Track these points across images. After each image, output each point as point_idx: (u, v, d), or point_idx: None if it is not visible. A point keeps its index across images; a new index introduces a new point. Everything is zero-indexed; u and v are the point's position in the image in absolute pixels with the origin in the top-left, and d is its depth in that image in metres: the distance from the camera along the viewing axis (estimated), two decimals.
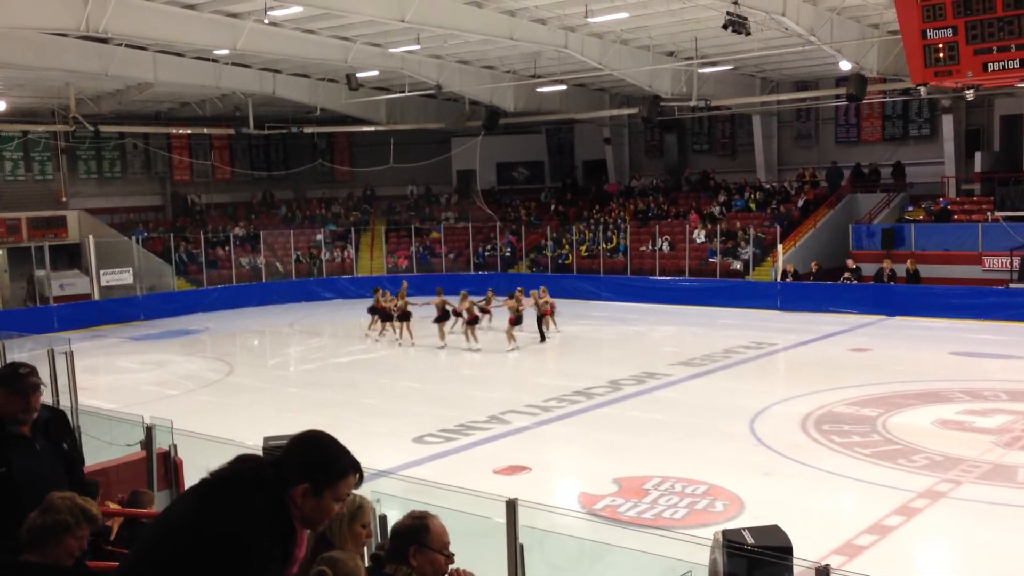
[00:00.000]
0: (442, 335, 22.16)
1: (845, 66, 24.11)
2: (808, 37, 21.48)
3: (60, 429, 4.31)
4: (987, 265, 24.85)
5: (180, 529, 2.81)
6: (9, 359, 12.96)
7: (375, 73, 27.23)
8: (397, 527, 3.90)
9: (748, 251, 28.52)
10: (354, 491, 4.11)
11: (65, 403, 10.21)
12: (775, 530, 5.45)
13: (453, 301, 22.61)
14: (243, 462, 2.92)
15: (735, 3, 18.35)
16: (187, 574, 2.70)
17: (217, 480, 2.88)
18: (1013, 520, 9.79)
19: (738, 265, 28.58)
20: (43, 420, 4.27)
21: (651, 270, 29.89)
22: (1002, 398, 14.84)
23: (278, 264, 33.42)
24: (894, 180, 30.02)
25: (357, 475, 2.96)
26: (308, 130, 33.53)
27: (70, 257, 31.56)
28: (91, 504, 3.67)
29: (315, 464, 2.86)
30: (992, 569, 8.67)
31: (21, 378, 4.20)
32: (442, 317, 22.38)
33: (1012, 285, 23.69)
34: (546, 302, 22.63)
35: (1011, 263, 24.29)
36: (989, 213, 26.14)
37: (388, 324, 23.18)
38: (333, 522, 3.98)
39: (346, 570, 3.52)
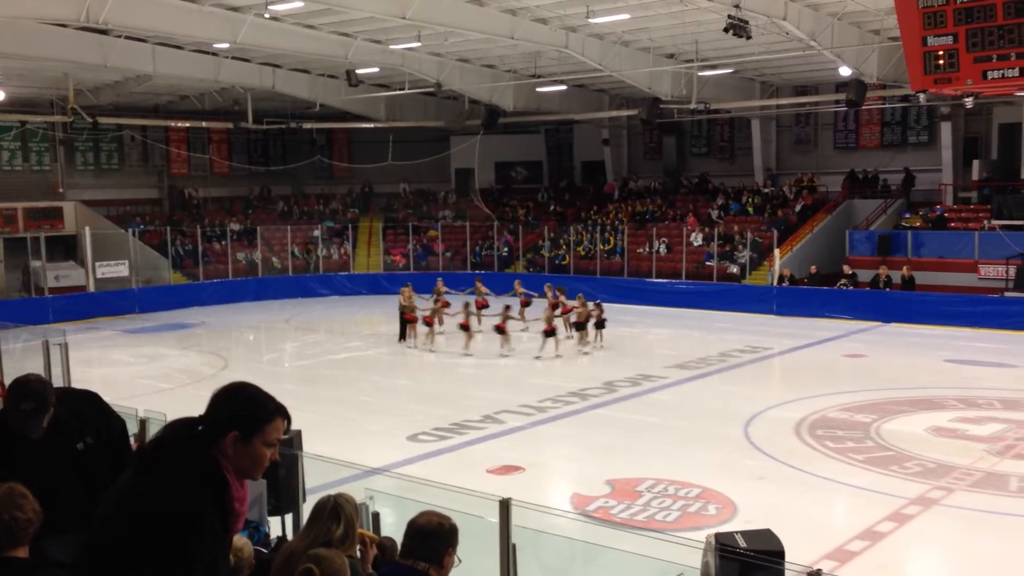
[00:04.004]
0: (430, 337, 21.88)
1: (845, 71, 24.14)
2: (808, 42, 21.51)
3: (72, 429, 4.11)
4: (983, 273, 24.86)
5: (116, 503, 2.87)
6: (4, 349, 12.96)
7: (375, 70, 27.22)
8: (425, 526, 3.86)
9: (745, 255, 28.53)
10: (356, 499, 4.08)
11: None
12: (767, 534, 5.45)
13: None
14: (172, 425, 2.98)
15: (736, 6, 18.36)
16: (127, 541, 2.74)
17: (149, 447, 2.96)
18: (1004, 528, 9.80)
19: (735, 269, 28.60)
20: (58, 420, 4.05)
21: (648, 272, 29.90)
22: (995, 406, 14.86)
23: (275, 259, 33.38)
24: (904, 188, 29.55)
25: (284, 420, 3.01)
26: (307, 126, 33.52)
27: (66, 248, 31.51)
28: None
29: (241, 411, 2.93)
30: None
31: (17, 415, 3.97)
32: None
33: (1007, 294, 23.72)
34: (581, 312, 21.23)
35: (1007, 272, 24.29)
36: (986, 221, 26.15)
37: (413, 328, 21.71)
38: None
39: (332, 568, 3.52)
